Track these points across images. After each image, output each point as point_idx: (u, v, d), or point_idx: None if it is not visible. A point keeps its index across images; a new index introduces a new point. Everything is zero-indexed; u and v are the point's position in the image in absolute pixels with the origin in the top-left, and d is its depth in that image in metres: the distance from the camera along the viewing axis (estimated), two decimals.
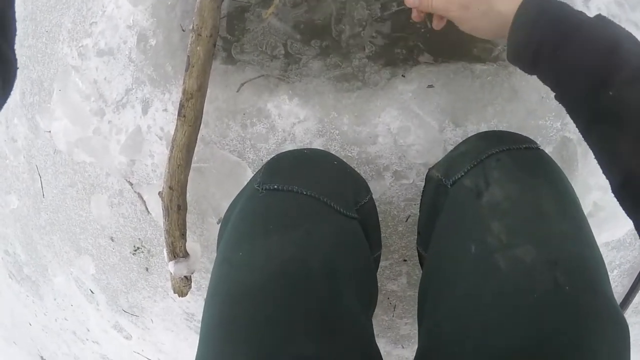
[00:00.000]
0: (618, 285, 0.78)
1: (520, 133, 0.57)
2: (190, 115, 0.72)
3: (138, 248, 0.90)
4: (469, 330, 0.44)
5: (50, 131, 0.85)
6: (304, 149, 0.63)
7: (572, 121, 0.69)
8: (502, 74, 0.70)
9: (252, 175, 0.64)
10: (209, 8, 0.68)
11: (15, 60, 0.34)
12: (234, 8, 0.78)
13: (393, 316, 0.87)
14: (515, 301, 0.42)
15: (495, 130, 0.62)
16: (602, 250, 0.47)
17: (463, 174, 0.53)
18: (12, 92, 0.36)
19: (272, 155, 0.61)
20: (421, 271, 0.84)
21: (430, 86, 0.74)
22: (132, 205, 0.88)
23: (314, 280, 0.45)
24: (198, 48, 0.69)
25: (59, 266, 0.99)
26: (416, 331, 0.88)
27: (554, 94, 0.48)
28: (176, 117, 0.72)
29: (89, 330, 1.04)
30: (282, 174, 0.53)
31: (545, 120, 0.69)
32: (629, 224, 0.71)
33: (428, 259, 0.58)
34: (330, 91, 0.79)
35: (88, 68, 0.80)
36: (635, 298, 0.76)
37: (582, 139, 0.69)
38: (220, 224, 0.59)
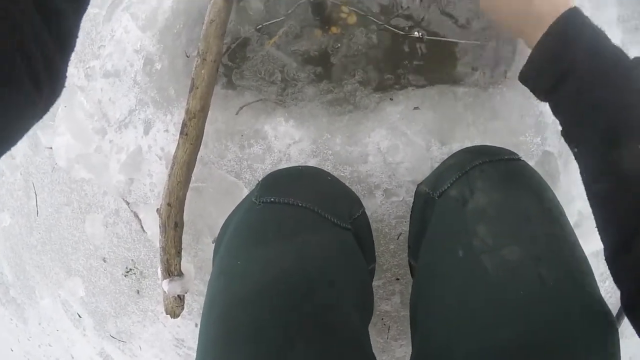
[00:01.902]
0: (612, 297, 0.80)
1: (499, 146, 0.61)
2: (192, 134, 0.76)
3: (130, 269, 0.90)
4: (460, 334, 0.45)
5: (51, 147, 0.87)
6: (299, 166, 0.66)
7: (551, 135, 0.75)
8: (482, 95, 0.76)
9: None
10: (214, 35, 0.74)
11: (65, 77, 0.35)
12: (235, 38, 0.85)
13: (388, 338, 0.87)
14: (502, 299, 0.43)
15: (479, 145, 0.66)
16: (592, 260, 0.49)
17: (449, 185, 0.56)
18: None
19: (269, 172, 0.63)
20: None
21: (416, 108, 0.80)
22: (127, 225, 0.89)
23: (312, 288, 0.46)
24: (202, 71, 0.74)
25: (47, 288, 0.97)
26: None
27: (562, 129, 0.48)
28: (177, 136, 0.75)
29: (73, 358, 0.99)
30: (279, 187, 0.55)
31: (526, 136, 0.74)
32: None
33: (418, 269, 0.60)
34: (324, 114, 0.84)
35: (94, 88, 0.84)
36: None
37: (563, 152, 0.74)
38: (217, 237, 0.61)
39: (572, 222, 0.53)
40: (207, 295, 0.51)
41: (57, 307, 0.97)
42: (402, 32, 0.76)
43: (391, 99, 0.82)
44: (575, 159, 0.47)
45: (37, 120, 0.32)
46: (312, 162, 0.85)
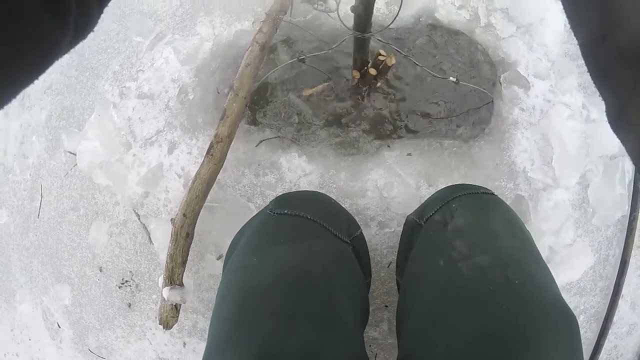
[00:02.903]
0: (587, 331, 0.86)
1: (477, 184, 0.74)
2: (217, 155, 0.85)
3: (126, 281, 0.90)
4: (439, 328, 0.51)
5: (73, 152, 0.93)
6: (308, 190, 0.76)
7: (522, 182, 0.91)
8: (464, 147, 0.92)
9: None
10: (248, 76, 0.88)
11: (96, 22, 0.26)
12: (262, 83, 1.00)
13: None
14: (474, 295, 0.50)
15: (459, 183, 0.79)
16: (565, 294, 0.57)
17: (433, 212, 0.66)
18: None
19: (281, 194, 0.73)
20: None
21: (409, 154, 0.94)
22: (132, 237, 0.92)
23: (315, 286, 0.53)
24: (234, 104, 0.87)
25: (30, 293, 0.93)
26: None
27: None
28: (199, 159, 0.84)
29: None
30: (291, 203, 0.65)
31: (500, 182, 0.89)
32: (583, 266, 0.84)
33: (404, 282, 0.67)
34: (332, 154, 0.97)
35: (125, 106, 0.94)
36: (607, 344, 0.84)
37: (532, 196, 0.89)
38: (225, 255, 0.68)
39: (543, 257, 0.61)
40: (222, 285, 0.57)
41: (37, 314, 0.93)
42: (439, 77, 0.90)
43: (389, 146, 0.96)
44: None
45: (55, 58, 0.23)
46: None
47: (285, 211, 0.62)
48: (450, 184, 0.83)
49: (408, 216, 0.80)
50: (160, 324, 0.85)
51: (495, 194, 0.69)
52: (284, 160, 0.94)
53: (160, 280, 0.83)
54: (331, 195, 0.94)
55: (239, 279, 0.54)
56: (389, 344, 0.89)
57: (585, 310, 0.86)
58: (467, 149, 0.92)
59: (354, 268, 0.63)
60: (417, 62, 0.85)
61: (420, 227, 0.68)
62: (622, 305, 0.85)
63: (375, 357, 0.89)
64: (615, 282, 0.85)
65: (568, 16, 0.30)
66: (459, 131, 0.94)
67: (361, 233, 0.75)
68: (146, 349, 0.91)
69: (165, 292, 0.81)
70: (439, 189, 0.92)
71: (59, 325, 0.91)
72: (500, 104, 0.92)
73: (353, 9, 0.71)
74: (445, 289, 0.53)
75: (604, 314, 0.85)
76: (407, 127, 0.98)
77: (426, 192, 0.92)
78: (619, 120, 0.28)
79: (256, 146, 0.96)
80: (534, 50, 0.92)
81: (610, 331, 0.84)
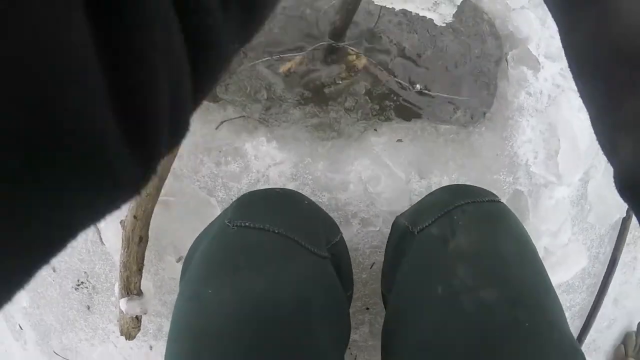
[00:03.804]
0: (570, 327, 0.87)
1: (480, 187, 0.65)
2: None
3: (82, 282, 0.80)
4: None
5: None
6: (276, 188, 0.64)
7: (523, 175, 0.82)
8: (462, 133, 0.80)
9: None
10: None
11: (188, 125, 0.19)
12: None
13: None
14: (479, 337, 0.45)
15: (460, 184, 0.69)
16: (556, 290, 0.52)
17: (430, 222, 0.57)
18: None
19: (244, 194, 0.61)
20: (383, 318, 0.85)
21: (399, 140, 0.82)
22: (84, 236, 0.78)
23: (286, 318, 0.45)
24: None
25: None
26: None
27: None
28: None
29: None
30: (254, 211, 0.53)
31: (499, 175, 0.80)
32: (576, 267, 0.81)
33: (393, 299, 0.60)
34: (307, 138, 0.82)
35: None
36: (587, 338, 0.84)
37: (532, 192, 0.81)
38: (183, 260, 0.57)
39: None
40: (174, 318, 0.48)
41: None
42: (409, 87, 0.79)
43: (375, 130, 0.83)
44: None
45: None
46: (290, 186, 0.82)
47: (247, 223, 0.51)
48: (448, 184, 0.74)
49: (398, 218, 0.70)
50: (121, 335, 0.77)
51: (502, 201, 0.60)
52: (249, 146, 0.79)
53: (116, 289, 0.74)
54: (306, 189, 0.82)
55: (191, 315, 0.45)
56: (370, 345, 0.85)
57: (570, 307, 0.84)
58: (466, 136, 0.81)
59: (332, 287, 0.55)
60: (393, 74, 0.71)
61: (412, 237, 0.59)
62: (606, 300, 0.83)
63: (355, 358, 0.85)
64: (603, 280, 0.82)
65: (578, 88, 0.28)
66: (457, 115, 0.82)
67: (341, 238, 0.66)
68: (112, 352, 0.85)
69: (123, 304, 0.73)
70: (431, 182, 0.82)
71: (20, 327, 0.84)
72: (506, 85, 0.79)
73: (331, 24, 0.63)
74: (445, 323, 0.47)
75: (588, 310, 0.83)
76: (397, 107, 0.83)
77: (417, 186, 0.81)
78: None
79: (216, 128, 0.79)
80: (547, 27, 0.76)
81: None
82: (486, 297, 0.46)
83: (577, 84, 0.29)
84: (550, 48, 0.75)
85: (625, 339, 0.84)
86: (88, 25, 0.12)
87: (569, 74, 0.77)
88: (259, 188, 0.81)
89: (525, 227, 0.70)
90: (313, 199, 0.83)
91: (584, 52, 0.27)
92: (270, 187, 0.83)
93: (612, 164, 0.28)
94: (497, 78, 0.81)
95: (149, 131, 0.15)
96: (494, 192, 0.82)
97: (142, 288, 0.75)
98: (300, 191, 0.83)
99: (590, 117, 0.30)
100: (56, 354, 0.87)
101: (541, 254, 0.81)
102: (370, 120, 0.84)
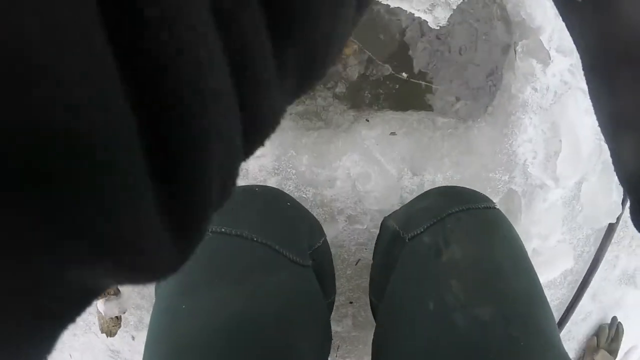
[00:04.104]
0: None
1: (475, 190, 0.61)
2: None
3: None
4: None
5: None
6: (255, 186, 0.58)
7: (519, 175, 0.78)
8: (460, 128, 0.74)
9: None
10: None
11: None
12: None
13: (336, 356, 0.86)
14: (473, 356, 0.44)
15: (455, 187, 0.64)
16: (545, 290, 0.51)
17: (422, 230, 0.54)
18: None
19: None
20: (366, 313, 0.84)
21: (392, 134, 0.74)
22: None
23: (265, 335, 0.43)
24: None
25: None
26: None
27: None
28: None
29: None
30: (231, 214, 0.49)
31: (495, 173, 0.75)
32: (561, 267, 0.80)
33: (383, 312, 0.58)
34: (291, 128, 0.74)
35: None
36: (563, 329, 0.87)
37: (526, 192, 0.77)
38: None
39: None
40: (151, 326, 0.45)
41: None
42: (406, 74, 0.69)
43: (367, 120, 0.75)
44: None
45: None
46: (272, 181, 0.75)
47: (223, 229, 0.47)
48: (442, 186, 0.69)
49: (387, 219, 0.66)
50: (102, 332, 0.76)
51: (496, 207, 0.57)
52: None
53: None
54: (289, 184, 0.75)
55: (165, 329, 0.43)
56: (352, 336, 0.84)
57: (550, 301, 0.85)
58: (464, 131, 0.74)
59: (314, 299, 0.52)
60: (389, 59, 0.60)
61: (403, 243, 0.57)
62: (584, 296, 0.85)
63: (338, 348, 0.85)
64: (584, 278, 0.83)
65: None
66: (457, 106, 0.74)
67: (325, 241, 0.62)
68: (94, 342, 0.83)
69: (101, 305, 0.72)
70: (423, 180, 0.76)
71: None
72: (511, 77, 0.71)
73: None
74: (437, 340, 0.46)
75: (567, 305, 0.85)
76: (392, 96, 0.75)
77: (409, 183, 0.76)
78: None
79: None
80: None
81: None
82: (480, 314, 0.45)
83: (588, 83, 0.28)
84: (563, 41, 0.67)
85: (598, 331, 0.88)
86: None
87: (578, 72, 0.71)
88: (237, 183, 0.73)
89: (516, 228, 0.68)
90: (296, 194, 0.76)
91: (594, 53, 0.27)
92: (249, 183, 0.75)
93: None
94: (502, 68, 0.73)
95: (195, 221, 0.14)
96: (488, 190, 0.79)
97: (119, 287, 0.72)
98: (282, 186, 0.76)
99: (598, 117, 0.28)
100: None
101: (530, 254, 0.80)
102: (362, 109, 0.76)
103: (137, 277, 0.13)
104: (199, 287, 0.44)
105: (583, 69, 0.28)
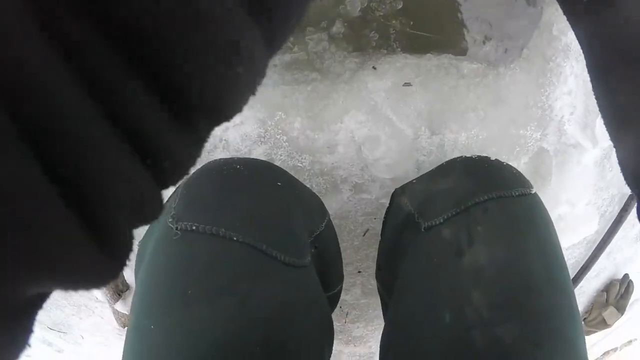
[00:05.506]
0: None
1: (511, 169, 0.49)
2: None
3: None
4: None
5: None
6: (236, 161, 0.44)
7: (552, 133, 0.66)
8: (490, 75, 0.59)
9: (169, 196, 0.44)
10: None
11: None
12: None
13: (345, 322, 0.82)
14: None
15: (484, 161, 0.51)
16: (565, 254, 0.46)
17: (442, 220, 0.46)
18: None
19: (194, 171, 0.43)
20: (375, 280, 0.76)
21: (407, 84, 0.59)
22: None
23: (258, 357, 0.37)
24: None
25: None
26: (368, 331, 0.83)
27: None
28: None
29: None
30: (205, 204, 0.40)
31: (526, 129, 0.63)
32: (584, 233, 0.73)
33: (392, 313, 0.51)
34: (277, 83, 0.57)
35: None
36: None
37: (559, 152, 0.66)
38: (136, 254, 0.44)
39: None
40: (125, 342, 0.39)
41: None
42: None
43: (374, 67, 0.59)
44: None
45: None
46: (259, 151, 0.60)
47: (195, 225, 0.38)
48: (469, 159, 0.55)
49: (400, 195, 0.55)
50: (124, 327, 0.80)
51: (533, 192, 0.47)
52: None
53: (104, 297, 0.74)
54: (280, 152, 0.61)
55: (133, 348, 0.38)
56: (362, 303, 0.79)
57: (567, 260, 0.80)
58: (494, 79, 0.60)
59: (313, 306, 0.45)
60: None
61: (417, 230, 0.48)
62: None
63: (347, 315, 0.79)
64: (603, 238, 0.76)
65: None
66: (487, 47, 0.59)
67: (328, 221, 0.53)
68: (100, 323, 0.85)
69: (119, 306, 0.73)
70: (444, 139, 0.63)
71: None
72: (553, 13, 0.56)
73: None
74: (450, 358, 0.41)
75: (582, 264, 0.79)
76: (405, 35, 0.58)
77: (426, 144, 0.63)
78: None
79: None
80: None
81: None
82: (503, 335, 0.39)
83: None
84: None
85: (608, 287, 0.84)
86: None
87: None
88: (216, 158, 0.57)
89: (543, 191, 0.57)
90: (290, 164, 0.62)
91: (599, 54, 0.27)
92: (231, 154, 0.60)
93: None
94: (543, 1, 0.57)
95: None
96: (517, 149, 0.67)
97: (127, 281, 0.75)
98: (272, 157, 0.61)
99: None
100: (50, 328, 0.87)
101: (554, 219, 0.72)
102: (367, 54, 0.59)
103: (73, 287, 0.14)
104: (169, 306, 0.36)
105: (587, 68, 0.28)
